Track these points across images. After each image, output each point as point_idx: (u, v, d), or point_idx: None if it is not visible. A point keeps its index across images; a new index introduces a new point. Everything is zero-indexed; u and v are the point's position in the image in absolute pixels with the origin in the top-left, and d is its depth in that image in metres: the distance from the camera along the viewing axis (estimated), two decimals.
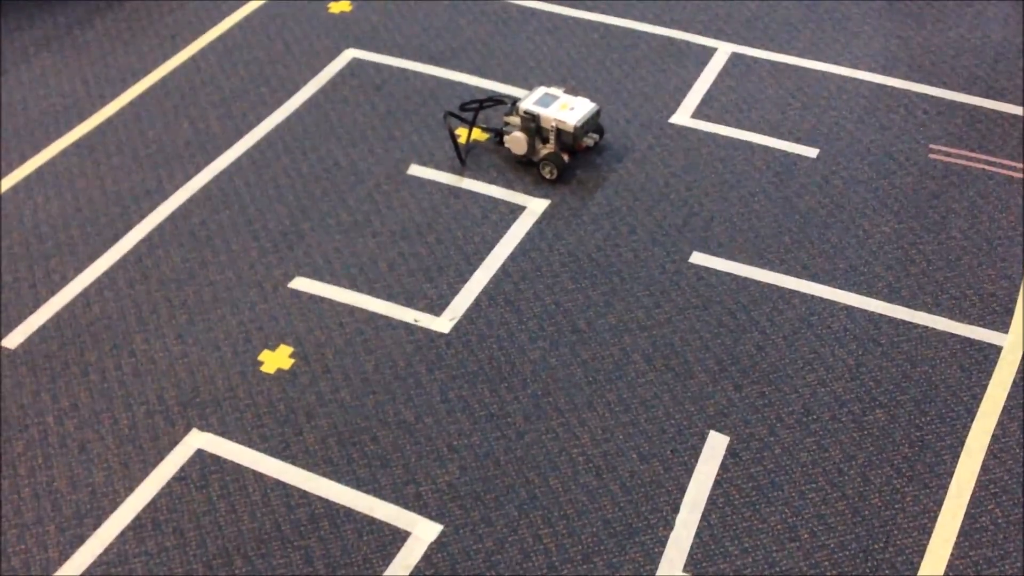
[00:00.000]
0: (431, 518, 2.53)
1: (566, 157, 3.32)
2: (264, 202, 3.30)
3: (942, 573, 2.38)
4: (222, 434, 2.69)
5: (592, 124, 3.35)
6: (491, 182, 3.34)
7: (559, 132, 3.29)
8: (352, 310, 2.99)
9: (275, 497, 2.57)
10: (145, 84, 3.75)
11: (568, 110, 3.30)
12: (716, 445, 2.65)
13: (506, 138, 3.36)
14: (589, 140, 3.36)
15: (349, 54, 3.85)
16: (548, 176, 3.32)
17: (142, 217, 3.26)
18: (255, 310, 2.99)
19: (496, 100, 3.49)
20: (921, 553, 2.42)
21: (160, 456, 2.65)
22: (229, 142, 3.51)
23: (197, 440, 2.68)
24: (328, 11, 4.05)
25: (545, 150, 3.33)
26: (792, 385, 2.77)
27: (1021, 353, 2.81)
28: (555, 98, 3.33)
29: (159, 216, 3.27)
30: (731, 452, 2.64)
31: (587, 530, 2.50)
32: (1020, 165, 3.32)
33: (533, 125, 3.30)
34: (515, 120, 3.37)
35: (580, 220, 3.22)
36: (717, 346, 2.87)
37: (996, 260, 3.05)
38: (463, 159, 3.39)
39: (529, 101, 3.32)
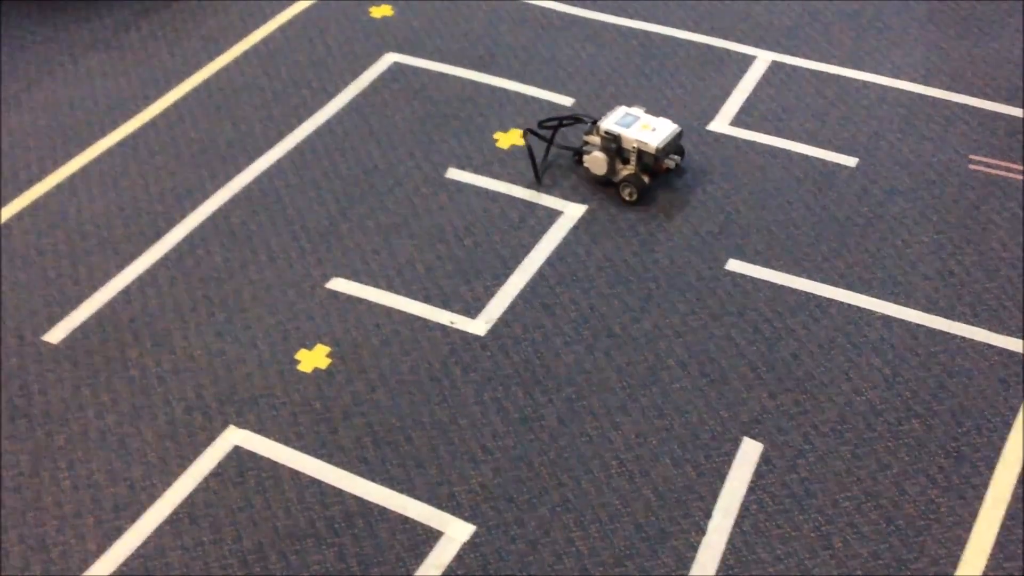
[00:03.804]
0: (464, 519, 2.55)
1: (647, 179, 3.25)
2: (304, 203, 3.34)
3: None
4: (259, 431, 2.72)
5: (673, 146, 3.28)
6: (529, 186, 3.36)
7: (640, 153, 3.23)
8: (389, 311, 3.01)
9: (310, 495, 2.59)
10: (189, 85, 3.80)
11: (650, 131, 3.23)
12: (750, 452, 2.65)
13: (586, 158, 3.30)
14: (671, 162, 3.29)
15: (389, 58, 3.88)
16: (628, 198, 3.26)
17: (184, 216, 3.31)
18: (293, 309, 3.02)
19: (576, 118, 3.43)
20: (955, 564, 2.40)
21: (198, 452, 2.68)
22: (270, 143, 3.55)
23: (234, 437, 2.71)
24: (370, 15, 4.09)
25: (625, 171, 3.27)
26: (827, 394, 2.76)
27: None
28: (636, 118, 3.27)
29: (200, 215, 3.31)
30: (765, 459, 2.63)
31: (619, 534, 2.51)
32: None
33: (614, 146, 3.24)
34: (595, 140, 3.31)
35: (617, 226, 3.23)
36: (752, 353, 2.87)
37: None
38: (539, 177, 3.36)
39: (610, 121, 3.27)
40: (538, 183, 3.34)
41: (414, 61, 3.87)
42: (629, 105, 3.37)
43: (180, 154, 3.53)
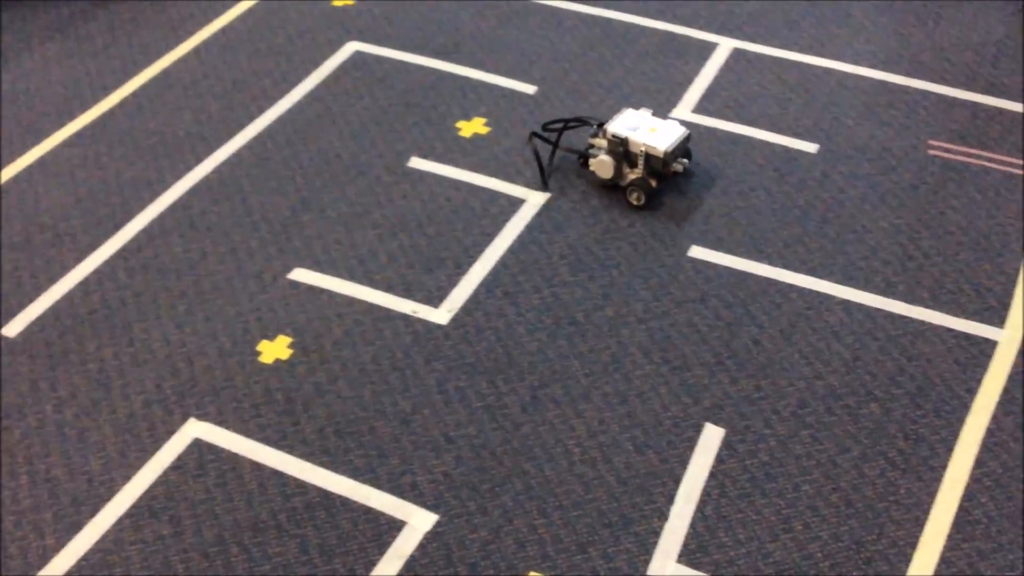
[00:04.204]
0: (427, 508, 2.54)
1: (654, 182, 3.22)
2: (264, 193, 3.31)
3: (935, 565, 2.39)
4: (219, 423, 2.71)
5: (682, 149, 3.24)
6: (491, 175, 3.35)
7: (648, 157, 3.19)
8: (351, 301, 3.00)
9: (272, 486, 2.58)
10: (147, 75, 3.77)
11: (658, 134, 3.19)
12: (712, 437, 2.66)
13: (592, 161, 3.26)
14: (678, 165, 3.25)
15: (351, 47, 3.86)
16: (635, 202, 3.22)
17: (142, 207, 3.28)
18: (254, 301, 3.00)
19: (582, 121, 3.38)
20: (914, 545, 2.43)
21: (157, 445, 2.66)
22: (230, 133, 3.52)
23: (194, 429, 2.69)
24: (331, 4, 4.07)
25: (633, 175, 3.23)
26: (788, 378, 2.78)
27: (1017, 348, 2.81)
28: (643, 121, 3.23)
29: (159, 206, 3.28)
30: (727, 444, 2.64)
31: (582, 521, 2.51)
32: (1019, 161, 3.33)
33: (621, 149, 3.20)
34: (601, 143, 3.28)
35: (579, 213, 3.23)
36: (714, 339, 2.88)
37: (993, 255, 3.05)
38: (546, 181, 3.32)
39: (617, 124, 3.22)
40: (544, 187, 3.29)
41: (376, 50, 3.85)
42: (636, 108, 3.32)
43: (139, 145, 3.50)
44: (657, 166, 3.20)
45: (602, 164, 3.23)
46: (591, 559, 2.44)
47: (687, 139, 3.23)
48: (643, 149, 3.18)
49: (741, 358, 2.83)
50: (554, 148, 3.37)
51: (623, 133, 3.19)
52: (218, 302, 3.00)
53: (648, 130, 3.20)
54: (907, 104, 3.55)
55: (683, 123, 3.49)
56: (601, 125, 3.30)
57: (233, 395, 2.77)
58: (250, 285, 3.04)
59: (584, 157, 3.34)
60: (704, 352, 2.85)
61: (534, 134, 3.38)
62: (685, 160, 3.27)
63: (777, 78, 3.67)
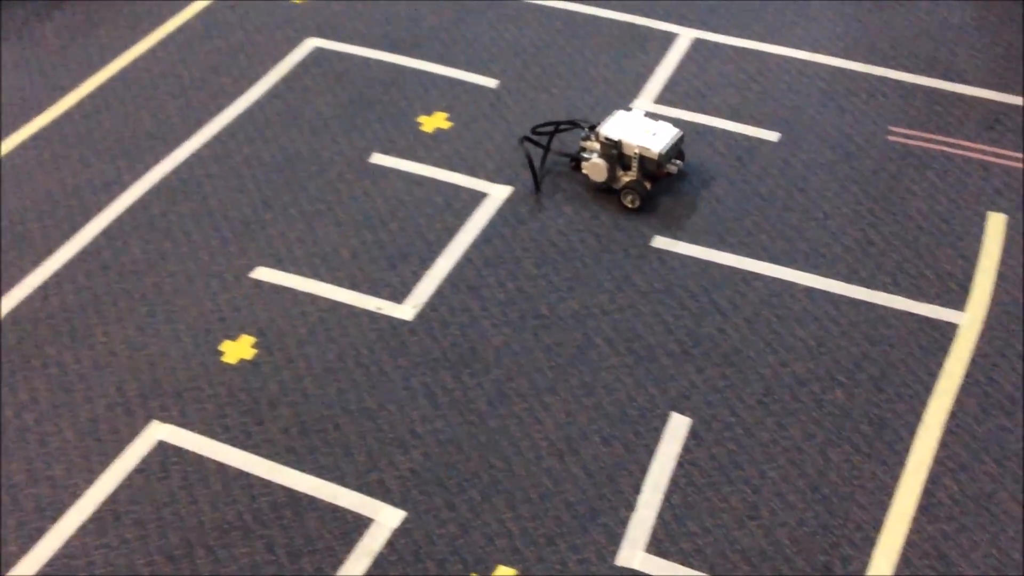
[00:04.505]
0: (394, 504, 2.53)
1: (648, 185, 3.18)
2: (225, 192, 3.29)
3: (900, 548, 2.40)
4: (183, 425, 2.68)
5: (675, 150, 3.20)
6: (454, 169, 3.34)
7: (642, 159, 3.15)
8: (314, 299, 2.98)
9: (237, 487, 2.56)
10: (105, 75, 3.73)
11: (651, 136, 3.15)
12: (678, 427, 2.67)
13: (584, 164, 3.21)
14: (673, 167, 3.22)
15: (311, 43, 3.84)
16: (630, 205, 3.17)
17: (101, 209, 3.24)
18: (216, 300, 2.98)
19: (573, 123, 3.35)
20: (878, 528, 2.44)
21: (120, 448, 2.64)
22: (189, 133, 3.49)
23: (158, 432, 2.67)
24: (290, 0, 4.04)
25: (627, 178, 3.18)
26: (753, 366, 2.78)
27: (977, 331, 2.83)
28: (636, 122, 3.19)
29: (118, 208, 3.25)
30: (693, 433, 2.65)
31: (550, 513, 2.51)
32: (977, 146, 3.35)
33: (614, 152, 3.15)
34: (593, 145, 3.23)
35: (542, 206, 3.23)
36: (679, 329, 2.88)
37: (954, 240, 3.07)
38: (539, 185, 3.27)
39: (609, 126, 3.18)
40: (537, 191, 3.25)
41: (336, 46, 3.83)
42: (627, 109, 3.29)
43: (96, 146, 3.46)
44: (651, 168, 3.16)
45: (595, 167, 3.18)
46: (559, 551, 2.44)
47: (681, 140, 3.19)
48: (637, 151, 3.13)
49: (706, 347, 2.83)
50: (545, 152, 3.32)
51: (616, 136, 3.15)
52: (180, 303, 2.97)
53: (641, 131, 3.16)
54: (867, 91, 3.57)
55: (647, 113, 3.50)
56: (593, 127, 3.26)
57: (196, 396, 2.75)
58: (212, 285, 3.02)
59: (576, 160, 3.29)
60: (669, 342, 2.85)
61: (525, 138, 3.34)
62: (679, 161, 3.23)
63: (738, 67, 3.68)
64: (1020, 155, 3.31)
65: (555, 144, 3.40)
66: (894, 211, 3.17)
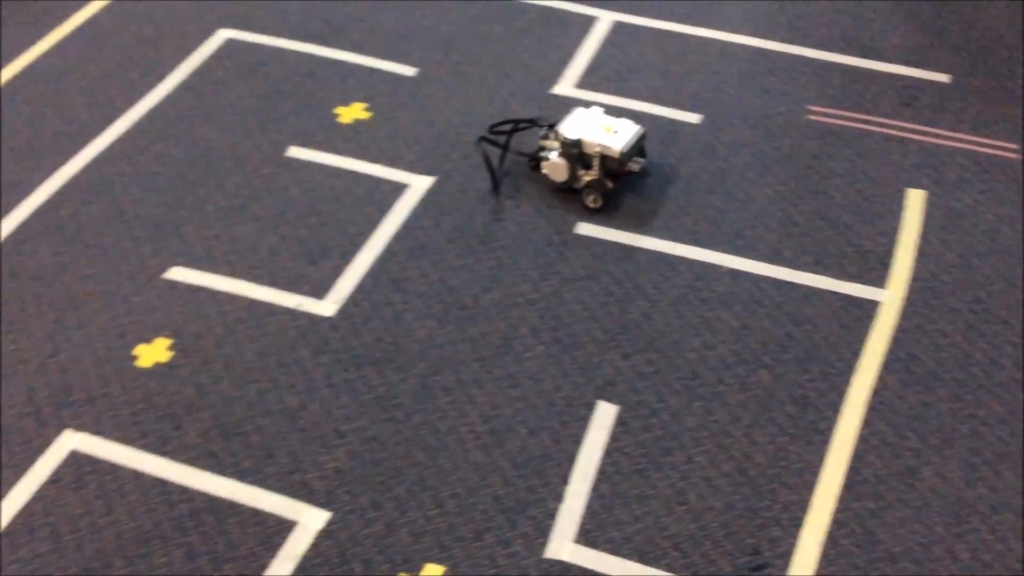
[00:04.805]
0: (318, 506, 2.48)
1: (610, 184, 3.11)
2: (137, 191, 3.20)
3: (826, 527, 2.41)
4: (97, 433, 2.60)
5: (637, 148, 3.14)
6: (374, 161, 3.28)
7: (604, 158, 3.08)
8: (232, 298, 2.91)
9: (155, 495, 2.49)
10: (8, 74, 3.60)
11: (612, 134, 3.08)
12: (605, 415, 2.64)
13: (544, 164, 3.14)
14: (635, 165, 3.16)
15: (223, 34, 3.74)
16: (592, 204, 3.11)
17: (8, 212, 3.14)
18: (129, 303, 2.89)
19: (531, 122, 3.29)
20: (805, 508, 2.44)
21: (32, 459, 2.55)
22: (98, 130, 3.39)
23: (71, 441, 2.59)
24: None
25: (588, 177, 3.11)
26: (679, 351, 2.77)
27: (899, 307, 2.85)
28: (596, 120, 3.12)
29: (25, 211, 3.14)
30: (620, 421, 2.63)
31: (478, 508, 2.47)
32: (895, 122, 3.37)
33: (575, 151, 3.08)
34: (553, 144, 3.16)
35: (465, 196, 3.18)
36: (604, 316, 2.86)
37: (874, 217, 3.08)
38: (498, 186, 3.19)
39: (568, 125, 3.11)
40: (496, 193, 3.18)
41: (249, 36, 3.74)
42: (586, 106, 3.22)
43: (1, 147, 3.34)
44: (613, 167, 3.09)
45: (555, 167, 3.11)
46: (488, 546, 2.41)
47: (643, 137, 3.13)
48: (598, 150, 3.06)
49: (632, 333, 2.81)
50: (503, 151, 3.24)
51: (576, 134, 3.08)
52: (92, 307, 2.89)
53: (602, 130, 3.09)
54: (786, 70, 3.57)
55: (567, 99, 3.46)
56: (552, 126, 3.20)
57: (111, 403, 2.67)
58: (125, 287, 2.93)
59: (535, 160, 3.22)
60: (595, 329, 2.83)
61: (483, 138, 3.26)
62: (641, 159, 3.18)
63: (658, 49, 3.67)
64: (937, 131, 3.34)
65: (512, 143, 3.33)
66: (815, 190, 3.17)
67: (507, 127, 3.34)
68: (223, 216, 3.12)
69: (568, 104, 3.44)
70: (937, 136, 3.32)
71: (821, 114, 3.41)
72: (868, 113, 3.41)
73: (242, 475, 2.54)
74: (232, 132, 3.39)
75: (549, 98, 3.48)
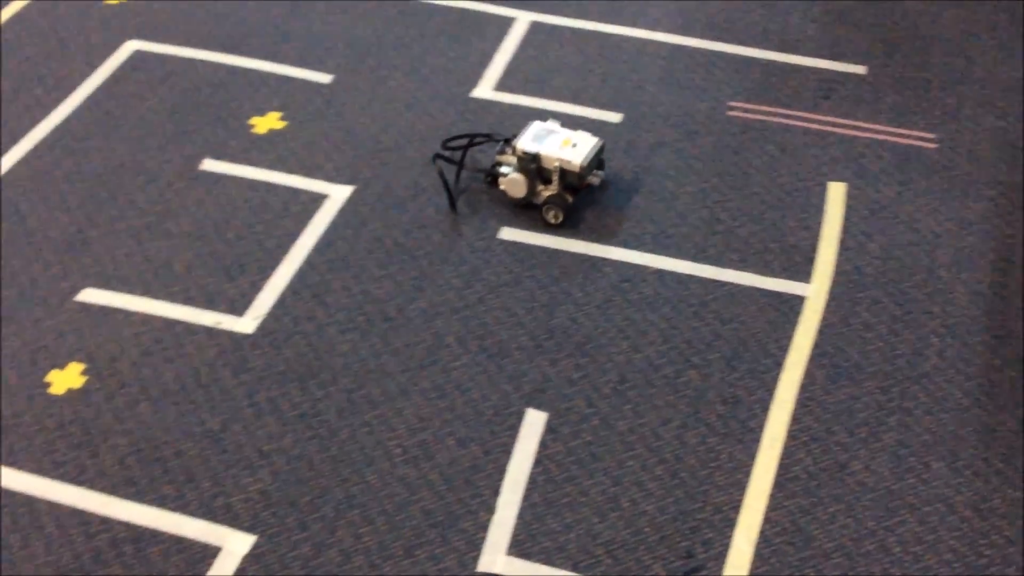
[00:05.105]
0: (244, 530, 2.41)
1: (570, 198, 3.04)
2: (45, 211, 3.09)
3: (759, 526, 2.40)
4: (10, 464, 2.50)
5: (596, 160, 3.07)
6: (291, 171, 3.21)
7: (563, 172, 3.01)
8: (148, 318, 2.82)
9: (72, 526, 2.40)
10: None
11: (571, 147, 3.01)
12: (534, 422, 2.61)
13: (502, 180, 3.06)
14: (594, 178, 3.08)
15: (131, 46, 3.64)
16: (553, 220, 3.04)
17: None
18: (40, 328, 2.79)
19: (487, 137, 3.20)
20: (737, 508, 2.43)
21: None
22: (2, 149, 3.27)
23: None
24: (104, 2, 3.82)
25: (548, 192, 3.04)
26: (607, 354, 2.74)
27: (823, 301, 2.85)
28: (553, 134, 3.05)
29: None
30: (550, 428, 2.60)
31: (408, 523, 2.42)
32: (814, 116, 3.38)
33: (533, 166, 3.01)
34: (510, 159, 3.08)
35: (385, 205, 3.13)
36: (531, 322, 2.82)
37: (796, 212, 3.09)
38: (454, 204, 3.10)
39: (526, 139, 3.03)
40: (453, 211, 3.09)
41: (158, 47, 3.64)
42: (543, 119, 3.14)
43: None
44: (573, 180, 3.03)
45: (513, 183, 3.04)
46: (419, 562, 2.36)
47: (601, 149, 3.07)
48: (557, 164, 3.00)
49: (559, 338, 2.78)
50: (459, 168, 3.16)
51: (534, 149, 3.01)
52: (1, 333, 2.78)
53: (560, 143, 3.03)
54: (705, 67, 3.57)
55: (486, 102, 3.42)
56: (508, 141, 3.14)
57: (23, 432, 2.57)
58: (35, 311, 2.83)
59: (492, 176, 3.14)
60: (521, 336, 2.79)
61: (438, 155, 3.16)
62: (600, 172, 3.11)
63: (577, 49, 3.64)
64: (856, 123, 3.35)
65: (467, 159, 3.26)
66: (738, 187, 3.17)
67: (461, 142, 3.27)
68: (136, 234, 3.03)
69: (488, 108, 3.40)
70: (856, 128, 3.34)
71: (741, 110, 3.41)
72: (788, 107, 3.41)
73: (163, 501, 2.46)
74: (143, 146, 3.29)
75: (469, 102, 3.43)
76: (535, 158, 3.02)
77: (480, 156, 3.25)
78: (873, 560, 2.34)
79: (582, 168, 3.00)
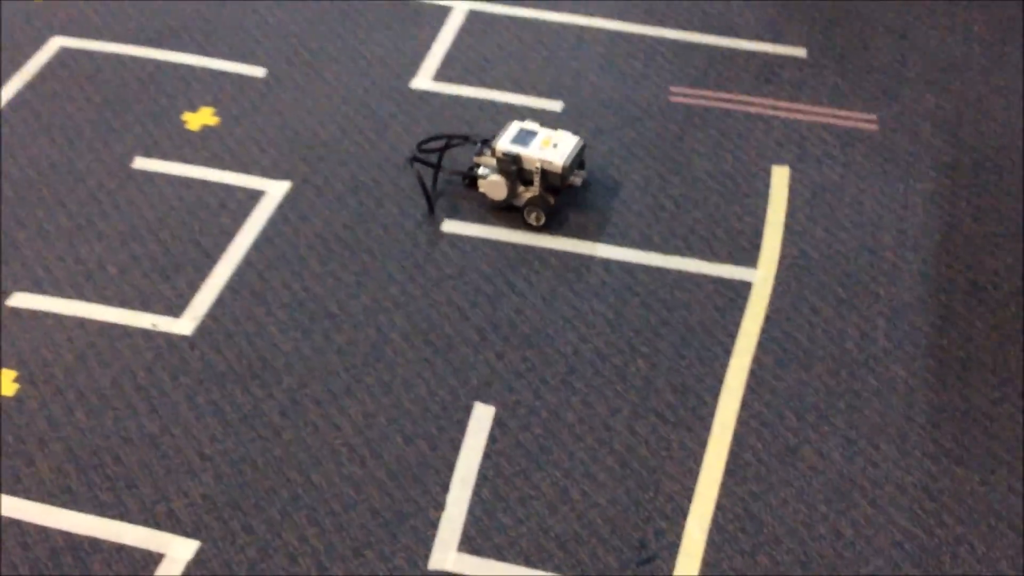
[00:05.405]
0: (186, 535, 2.35)
1: (552, 199, 2.96)
2: None
3: (711, 514, 2.38)
4: None
5: (578, 160, 3.00)
6: (226, 168, 3.13)
7: (545, 173, 2.93)
8: (82, 322, 2.74)
9: (8, 538, 2.32)
10: None
11: (551, 147, 2.93)
12: (482, 417, 2.57)
13: (481, 183, 2.98)
14: (576, 179, 3.01)
15: (55, 43, 3.53)
16: (535, 222, 2.96)
17: None
18: None
19: (464, 138, 3.11)
20: (689, 497, 2.41)
21: None
22: None
23: None
24: None
25: (529, 193, 2.96)
26: (554, 346, 2.71)
27: (770, 286, 2.84)
28: (533, 134, 2.96)
29: None
30: (498, 422, 2.56)
31: (355, 523, 2.37)
32: (756, 100, 3.37)
33: (514, 167, 2.93)
34: (489, 161, 2.99)
35: (324, 199, 3.06)
36: (476, 315, 2.78)
37: (741, 197, 3.07)
38: (433, 208, 3.01)
39: (505, 140, 2.95)
40: (431, 214, 3.01)
41: (84, 43, 3.53)
42: (522, 119, 3.05)
43: None
44: (555, 182, 2.95)
45: (493, 185, 2.96)
46: (368, 562, 2.31)
47: (583, 149, 3.00)
48: (538, 165, 2.92)
49: (505, 331, 2.74)
50: (436, 170, 3.07)
51: (514, 150, 2.93)
52: None
53: (541, 144, 2.95)
54: (645, 53, 3.54)
55: (425, 93, 3.37)
56: (486, 141, 3.05)
57: None
58: None
59: (470, 178, 3.06)
60: (467, 329, 2.74)
61: (414, 158, 3.07)
62: (583, 172, 3.04)
63: (516, 37, 3.59)
64: (798, 106, 3.35)
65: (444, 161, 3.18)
66: (681, 173, 3.15)
67: (438, 144, 3.19)
68: (66, 236, 2.94)
69: (427, 99, 3.35)
70: (798, 111, 3.33)
71: (683, 95, 3.39)
72: (730, 91, 3.40)
73: (102, 509, 2.38)
74: (71, 146, 3.19)
75: (408, 93, 3.38)
76: (516, 159, 2.94)
77: (458, 155, 3.21)
78: (825, 544, 2.33)
79: (564, 169, 2.92)
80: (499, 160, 2.95)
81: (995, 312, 2.77)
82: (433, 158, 3.18)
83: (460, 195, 3.09)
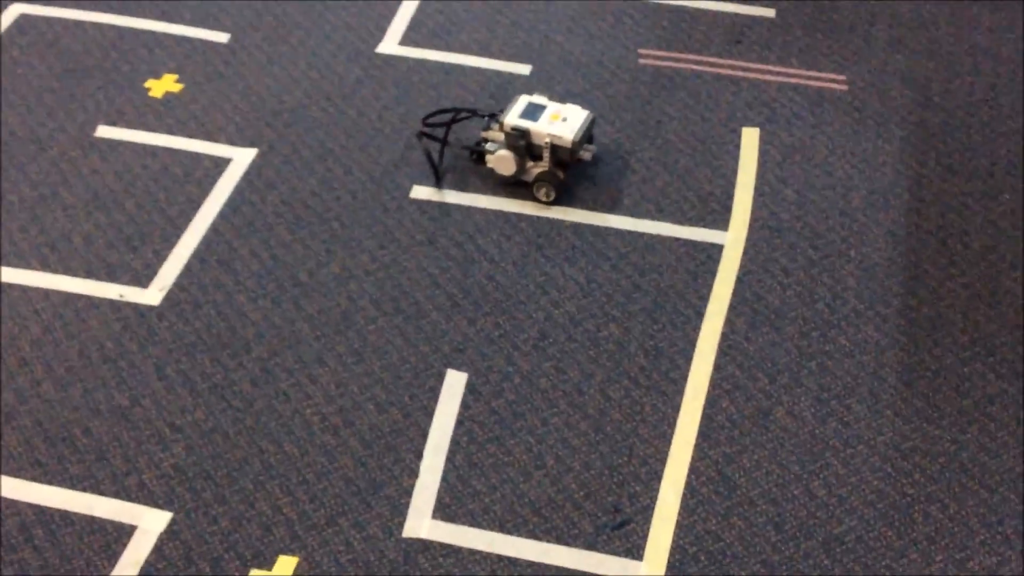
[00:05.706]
0: (158, 506, 2.33)
1: (562, 174, 2.92)
2: None
3: (685, 477, 2.39)
4: None
5: (587, 135, 2.94)
6: (191, 136, 3.09)
7: (554, 147, 2.89)
8: (47, 294, 2.70)
9: None
10: None
11: (561, 122, 2.88)
12: (455, 383, 2.56)
13: (489, 158, 2.93)
14: (586, 153, 2.96)
15: (15, 9, 3.46)
16: (544, 198, 2.92)
17: None
18: None
19: (472, 112, 3.05)
20: (663, 460, 2.41)
21: None
22: None
23: None
24: None
25: (538, 168, 2.92)
26: (526, 311, 2.70)
27: (741, 249, 2.84)
28: (542, 108, 2.91)
29: None
30: (471, 388, 2.55)
31: (329, 492, 2.36)
32: (726, 61, 3.35)
33: (523, 142, 2.88)
34: (497, 135, 2.94)
35: (292, 166, 3.03)
36: (447, 281, 2.76)
37: (711, 159, 3.07)
38: (440, 179, 2.97)
39: (514, 114, 2.89)
40: (439, 188, 2.96)
41: (44, 10, 3.46)
42: (530, 93, 2.98)
43: None
44: (564, 156, 2.91)
45: (502, 160, 2.91)
46: (343, 531, 2.30)
47: (592, 123, 2.95)
48: (548, 140, 2.88)
49: (476, 297, 2.73)
50: (443, 145, 3.01)
51: (523, 124, 2.88)
52: None
53: (550, 118, 2.90)
54: (614, 15, 3.52)
55: (391, 57, 3.32)
56: (494, 116, 3.01)
57: None
58: None
59: (478, 153, 3.01)
60: (438, 296, 2.73)
61: (422, 133, 3.03)
62: (592, 147, 2.99)
63: (483, 1, 3.56)
64: (767, 67, 3.34)
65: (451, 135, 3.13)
66: (651, 136, 3.13)
67: (444, 117, 3.14)
68: (29, 206, 2.89)
69: (394, 63, 3.31)
70: (768, 72, 3.32)
71: (652, 57, 3.37)
72: (699, 53, 3.38)
73: (72, 482, 2.36)
74: (33, 115, 3.13)
75: (374, 57, 3.34)
76: (524, 134, 2.89)
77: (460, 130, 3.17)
78: (799, 504, 2.35)
79: (574, 143, 2.88)
80: (507, 135, 2.90)
81: (964, 271, 2.79)
82: (439, 133, 3.13)
83: (469, 169, 3.03)
